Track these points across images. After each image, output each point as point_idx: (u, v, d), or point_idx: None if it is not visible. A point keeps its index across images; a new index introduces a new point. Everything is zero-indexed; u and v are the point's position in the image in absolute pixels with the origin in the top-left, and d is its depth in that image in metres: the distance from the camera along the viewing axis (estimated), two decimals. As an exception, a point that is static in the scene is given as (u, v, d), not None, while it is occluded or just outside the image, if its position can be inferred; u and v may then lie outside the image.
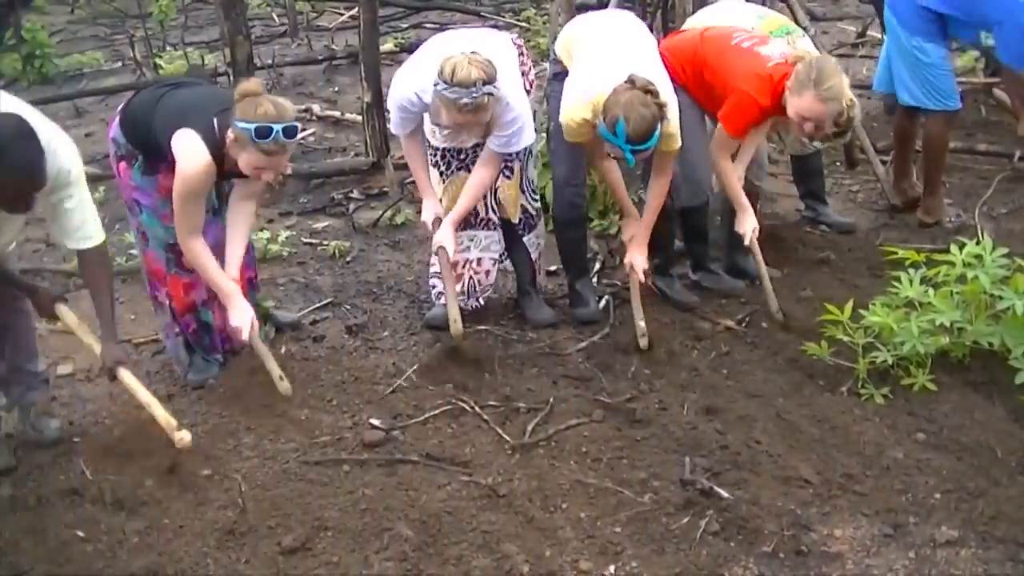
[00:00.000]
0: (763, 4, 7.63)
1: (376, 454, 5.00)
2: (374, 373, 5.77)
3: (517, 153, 5.93)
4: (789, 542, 4.27)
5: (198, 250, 5.36)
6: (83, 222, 4.85)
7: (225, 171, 5.26)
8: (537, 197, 6.33)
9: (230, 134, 5.04)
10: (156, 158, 5.37)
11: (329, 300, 6.82)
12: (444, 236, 5.84)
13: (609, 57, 5.78)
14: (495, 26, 14.25)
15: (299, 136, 5.18)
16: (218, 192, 5.64)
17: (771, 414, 5.22)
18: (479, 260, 6.20)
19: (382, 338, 6.25)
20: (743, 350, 5.90)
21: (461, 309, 6.16)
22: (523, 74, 5.91)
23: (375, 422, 5.22)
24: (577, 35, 6.13)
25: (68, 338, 5.62)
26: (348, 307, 6.71)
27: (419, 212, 7.84)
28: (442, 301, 6.25)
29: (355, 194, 8.83)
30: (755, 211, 6.32)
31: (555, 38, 6.50)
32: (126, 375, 5.00)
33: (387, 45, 13.72)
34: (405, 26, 16.12)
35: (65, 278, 7.22)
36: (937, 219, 7.46)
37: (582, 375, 5.67)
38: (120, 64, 15.30)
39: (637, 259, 6.04)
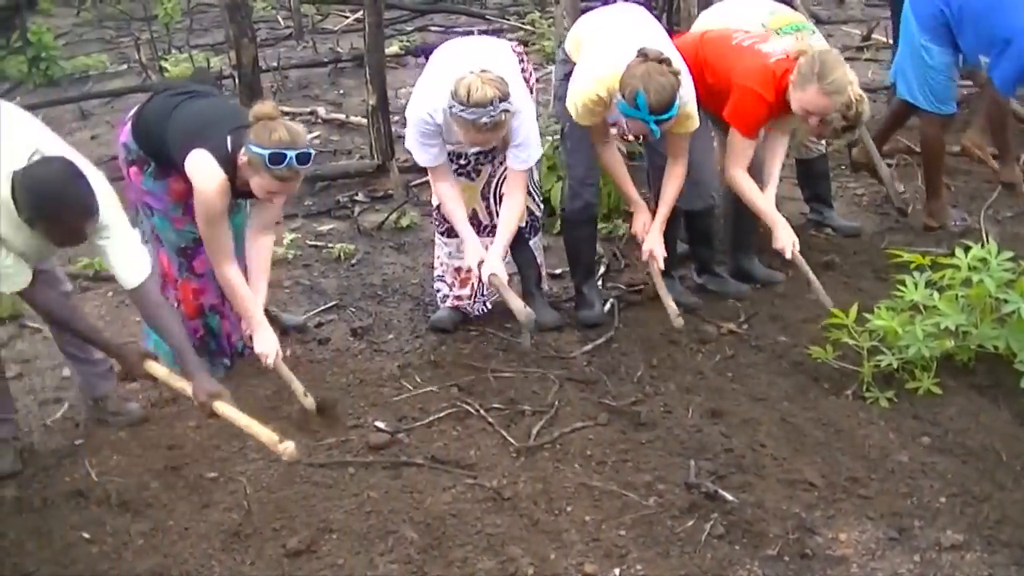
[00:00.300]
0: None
1: (381, 457, 5.01)
2: (379, 376, 5.77)
3: None
4: (794, 545, 4.28)
5: (231, 277, 5.40)
6: (120, 259, 4.91)
7: (238, 190, 5.27)
8: (540, 200, 6.33)
9: (243, 156, 5.05)
10: (168, 166, 5.39)
11: (334, 303, 6.82)
12: (494, 266, 5.74)
13: (618, 39, 5.78)
14: (500, 29, 14.31)
15: (311, 163, 5.16)
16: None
17: (776, 417, 5.22)
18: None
19: (387, 341, 6.26)
20: (748, 353, 5.90)
21: (466, 314, 6.19)
22: (524, 81, 5.90)
23: (380, 425, 5.23)
24: (586, 29, 6.14)
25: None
26: (353, 310, 6.71)
27: (424, 215, 7.96)
28: (448, 304, 6.29)
29: (360, 197, 8.82)
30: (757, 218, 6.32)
31: (560, 41, 6.51)
32: (222, 407, 4.95)
33: (392, 48, 13.71)
34: (410, 29, 16.09)
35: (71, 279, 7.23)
36: (942, 223, 7.44)
37: (587, 378, 5.67)
38: (126, 67, 15.28)
39: (656, 247, 5.99)
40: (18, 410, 5.48)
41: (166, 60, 14.41)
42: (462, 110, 5.28)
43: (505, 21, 15.68)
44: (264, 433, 4.80)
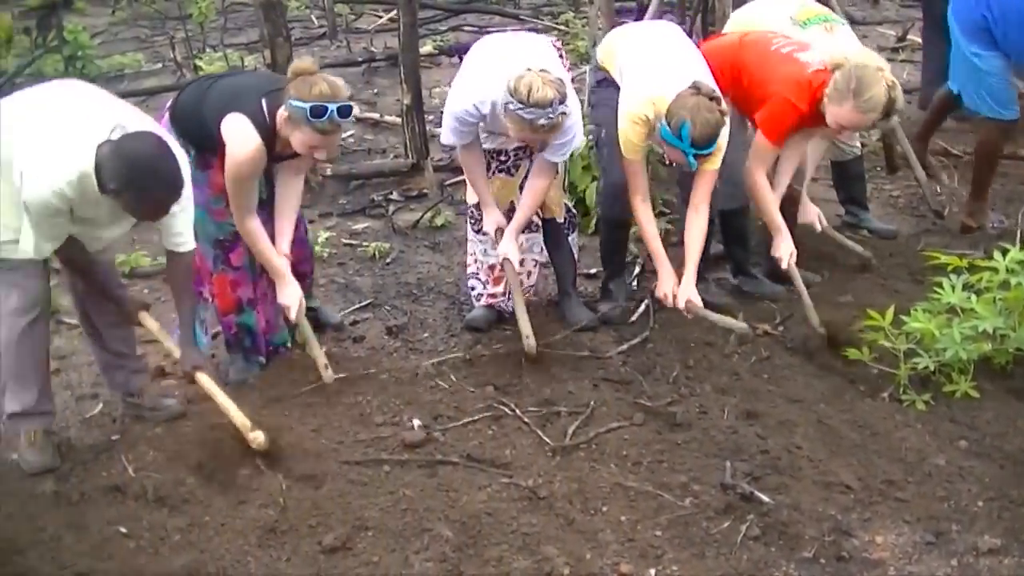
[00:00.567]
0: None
1: (416, 455, 5.01)
2: (414, 374, 5.77)
3: None
4: (830, 548, 4.26)
5: (252, 228, 5.45)
6: (184, 227, 5.03)
7: (275, 153, 5.32)
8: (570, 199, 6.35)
9: (283, 112, 5.11)
10: (208, 152, 5.42)
11: (369, 301, 6.84)
12: (508, 247, 5.85)
13: (664, 61, 5.82)
14: (534, 29, 14.27)
15: (353, 115, 5.21)
16: (267, 177, 5.64)
17: (812, 419, 5.21)
18: (521, 261, 6.15)
19: (422, 339, 6.27)
20: (783, 354, 5.89)
21: (500, 313, 6.19)
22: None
23: (416, 423, 5.23)
24: (620, 43, 6.14)
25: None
26: (388, 308, 6.72)
27: (459, 214, 7.96)
28: (482, 302, 6.31)
29: (395, 196, 8.84)
30: (795, 215, 6.30)
31: (594, 41, 6.52)
32: (204, 378, 5.12)
33: (426, 47, 13.73)
34: (444, 29, 16.10)
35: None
36: (980, 224, 7.40)
37: (622, 378, 5.67)
38: (160, 65, 15.35)
39: (693, 296, 5.88)
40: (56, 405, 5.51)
41: (200, 59, 14.46)
42: (520, 108, 5.28)
43: (539, 21, 15.67)
44: (239, 417, 4.95)
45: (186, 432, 5.34)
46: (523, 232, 6.10)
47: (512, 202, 6.08)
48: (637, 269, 6.99)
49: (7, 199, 4.75)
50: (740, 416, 5.26)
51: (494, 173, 6.09)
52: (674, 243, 6.94)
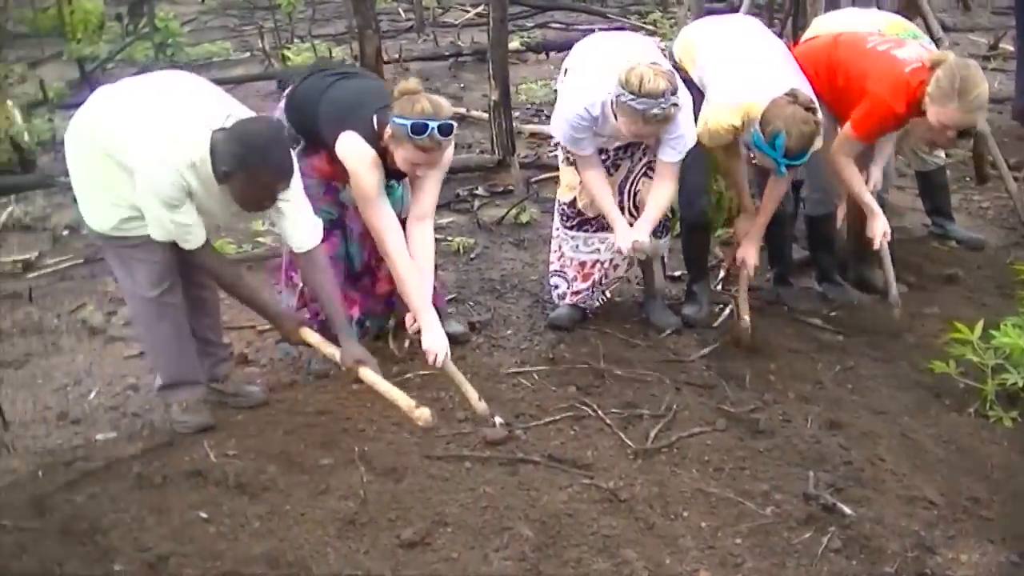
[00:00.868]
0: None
1: (498, 452, 5.01)
2: (497, 371, 5.78)
3: None
4: (912, 564, 4.21)
5: (405, 270, 5.47)
6: (303, 225, 5.13)
7: (390, 168, 5.35)
8: None
9: (388, 130, 5.14)
10: (316, 144, 5.50)
11: (452, 296, 6.84)
12: (641, 234, 5.82)
13: (755, 64, 5.76)
14: (620, 28, 14.25)
15: (453, 134, 5.24)
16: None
17: (896, 432, 5.15)
18: (610, 259, 6.18)
19: (505, 336, 6.27)
20: (868, 364, 5.84)
21: (584, 313, 6.25)
22: None
23: (498, 420, 5.22)
24: (700, 41, 6.09)
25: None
26: (471, 304, 6.74)
27: (544, 211, 7.96)
28: (566, 301, 6.30)
29: (480, 191, 8.87)
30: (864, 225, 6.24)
31: (682, 43, 6.49)
32: (367, 373, 5.12)
33: (513, 43, 13.72)
34: (531, 25, 16.15)
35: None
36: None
37: (705, 383, 5.64)
38: (248, 54, 15.50)
39: (749, 255, 6.01)
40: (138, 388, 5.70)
41: (288, 49, 14.59)
42: (632, 99, 5.25)
43: (626, 20, 15.68)
44: (402, 398, 4.95)
45: (268, 420, 5.39)
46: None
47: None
48: (721, 273, 6.94)
49: (121, 178, 4.85)
50: (823, 426, 5.21)
51: None
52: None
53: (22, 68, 15.21)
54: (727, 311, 6.43)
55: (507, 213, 8.20)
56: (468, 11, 17.31)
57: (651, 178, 5.95)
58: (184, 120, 4.79)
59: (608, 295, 6.39)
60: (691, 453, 4.98)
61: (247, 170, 4.67)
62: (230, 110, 4.90)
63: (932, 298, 6.53)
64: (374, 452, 5.02)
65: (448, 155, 5.48)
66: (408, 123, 5.02)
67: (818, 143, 5.54)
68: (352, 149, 5.27)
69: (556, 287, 6.36)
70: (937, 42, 6.95)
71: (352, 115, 5.30)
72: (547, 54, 14.11)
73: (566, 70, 5.97)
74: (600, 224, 6.09)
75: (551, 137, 9.39)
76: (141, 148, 4.72)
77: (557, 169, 6.51)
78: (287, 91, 5.79)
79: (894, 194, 7.06)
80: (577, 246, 6.21)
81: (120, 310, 6.85)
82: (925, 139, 6.21)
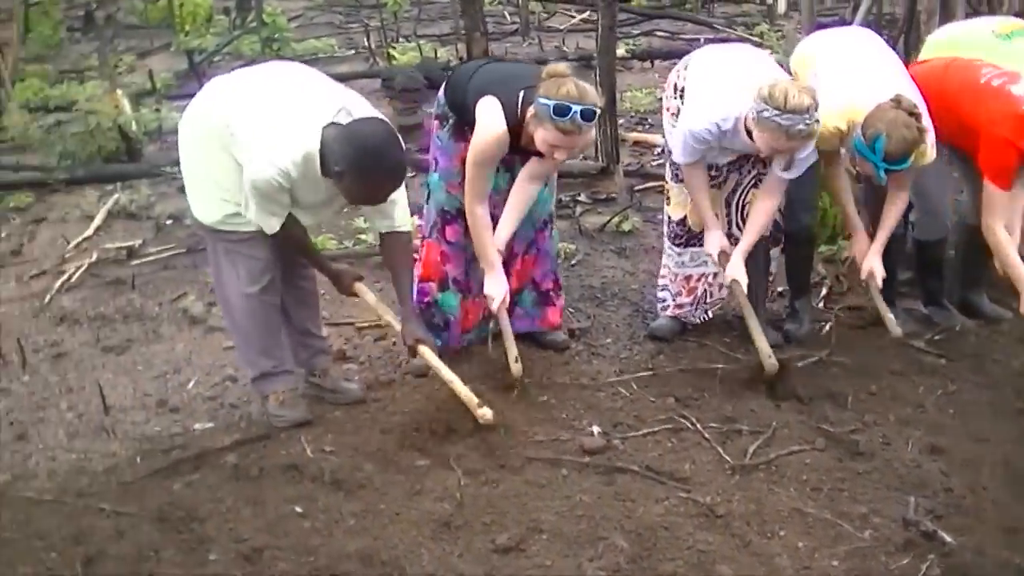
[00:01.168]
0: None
1: (595, 461, 5.00)
2: (596, 380, 5.77)
3: None
4: (1013, 596, 4.14)
5: (478, 214, 5.50)
6: (399, 212, 5.19)
7: (518, 145, 5.36)
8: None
9: (531, 110, 5.16)
10: (465, 125, 5.53)
11: (552, 301, 6.81)
12: (737, 271, 5.76)
13: (863, 70, 5.71)
14: (726, 39, 14.16)
15: (595, 120, 5.23)
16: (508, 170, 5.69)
17: (998, 459, 5.06)
18: (715, 274, 6.15)
19: (604, 344, 6.25)
20: (971, 389, 5.75)
21: (685, 324, 6.21)
22: None
23: (596, 429, 5.22)
24: (817, 51, 6.07)
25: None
26: (571, 310, 6.68)
27: (646, 221, 7.92)
28: (668, 312, 6.27)
29: (582, 197, 8.81)
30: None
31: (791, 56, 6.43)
32: (427, 352, 5.21)
33: (618, 51, 13.67)
34: (636, 33, 16.08)
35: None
36: None
37: (806, 400, 5.58)
38: (353, 52, 15.57)
39: (876, 266, 5.88)
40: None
41: (394, 48, 14.66)
42: (777, 115, 5.18)
43: (731, 31, 15.58)
44: (464, 392, 5.03)
45: (365, 418, 5.43)
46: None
47: (715, 214, 5.99)
48: (824, 290, 6.87)
49: (231, 172, 4.92)
50: (924, 450, 5.14)
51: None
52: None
53: (131, 58, 15.42)
54: (827, 327, 6.35)
55: (609, 220, 8.16)
56: (573, 16, 17.28)
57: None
58: (295, 115, 4.84)
59: (710, 315, 6.36)
60: (789, 471, 4.93)
61: (360, 173, 4.71)
62: (343, 103, 4.93)
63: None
64: (470, 455, 5.04)
65: (587, 140, 5.51)
66: (552, 104, 5.02)
67: (931, 154, 5.49)
68: (488, 115, 5.29)
69: (663, 300, 6.34)
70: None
71: (499, 87, 5.34)
72: (652, 62, 14.05)
73: (681, 88, 5.91)
74: None
75: (655, 146, 9.40)
76: (250, 143, 4.80)
77: (660, 179, 6.50)
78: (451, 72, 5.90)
79: None
80: (684, 261, 6.20)
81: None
82: None
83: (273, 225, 4.96)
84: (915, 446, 5.17)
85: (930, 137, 5.53)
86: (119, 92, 11.01)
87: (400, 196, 5.14)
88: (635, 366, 5.95)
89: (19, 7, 14.53)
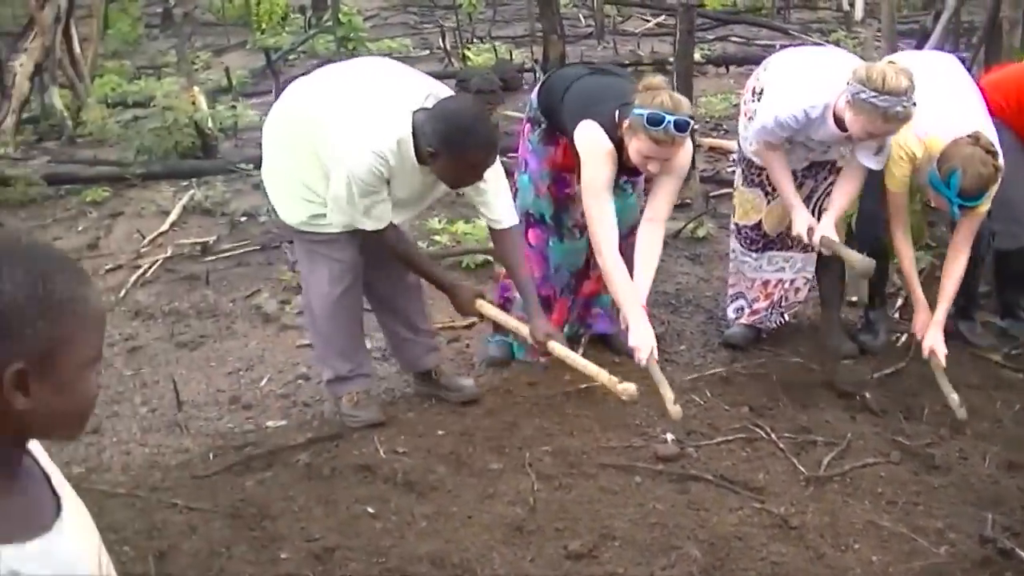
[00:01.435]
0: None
1: (669, 469, 4.98)
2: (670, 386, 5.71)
3: None
4: (1092, 618, 4.08)
5: (612, 262, 5.39)
6: (503, 204, 5.23)
7: (625, 164, 5.34)
8: None
9: (626, 122, 5.14)
10: (556, 131, 5.56)
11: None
12: (828, 230, 5.66)
13: (945, 101, 5.61)
14: (802, 46, 14.08)
15: (688, 132, 5.21)
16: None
17: (1078, 478, 4.98)
18: (792, 280, 6.15)
19: (679, 351, 6.24)
20: (1050, 405, 5.66)
21: (759, 333, 6.22)
22: None
23: (669, 436, 5.21)
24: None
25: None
26: (645, 316, 6.66)
27: (721, 227, 7.88)
28: (742, 320, 6.26)
29: (658, 203, 8.77)
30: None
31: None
32: (557, 347, 5.19)
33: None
34: (711, 38, 16.06)
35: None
36: None
37: (880, 412, 5.53)
38: (427, 52, 15.66)
39: (937, 344, 5.68)
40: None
41: (469, 49, 14.71)
42: (875, 96, 5.10)
43: (807, 37, 15.47)
44: (603, 374, 4.99)
45: (438, 420, 5.44)
46: (799, 252, 6.05)
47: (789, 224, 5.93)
48: (900, 301, 6.80)
49: (317, 173, 4.98)
50: (1001, 466, 5.07)
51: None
52: (939, 279, 6.78)
53: (208, 55, 15.59)
54: (903, 338, 6.28)
55: (684, 227, 8.12)
56: (648, 20, 17.28)
57: None
58: (385, 102, 4.88)
59: (786, 317, 6.33)
60: (864, 484, 4.88)
61: (453, 149, 4.73)
62: (429, 89, 4.98)
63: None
64: (543, 459, 5.03)
65: (684, 159, 5.44)
66: (646, 113, 5.00)
67: (993, 191, 5.41)
68: (589, 139, 5.28)
69: (738, 310, 6.32)
70: None
71: (595, 106, 5.32)
72: (727, 68, 14.02)
73: (760, 91, 5.86)
74: (784, 243, 6.06)
75: (730, 152, 9.35)
76: (343, 137, 4.82)
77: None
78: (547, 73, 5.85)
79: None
80: (760, 266, 6.17)
81: (294, 299, 6.97)
82: None
83: (383, 217, 4.97)
84: (992, 461, 5.10)
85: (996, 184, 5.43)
86: (196, 89, 11.13)
87: (502, 189, 5.18)
88: (709, 374, 5.93)
89: (100, 4, 14.70)
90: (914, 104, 5.17)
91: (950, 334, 6.07)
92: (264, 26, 17.59)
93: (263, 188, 5.49)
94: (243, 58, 15.63)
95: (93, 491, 4.89)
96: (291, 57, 15.34)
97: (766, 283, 6.18)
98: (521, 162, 5.84)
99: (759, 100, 5.84)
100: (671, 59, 9.19)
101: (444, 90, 5.06)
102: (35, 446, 1.87)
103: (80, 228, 8.77)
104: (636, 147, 5.13)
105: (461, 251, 7.66)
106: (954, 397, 5.44)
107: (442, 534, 4.51)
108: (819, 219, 5.86)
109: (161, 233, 8.38)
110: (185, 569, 4.33)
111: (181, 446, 5.34)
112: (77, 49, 12.54)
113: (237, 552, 4.41)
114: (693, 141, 8.38)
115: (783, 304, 6.26)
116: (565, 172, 5.66)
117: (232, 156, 10.32)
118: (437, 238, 7.67)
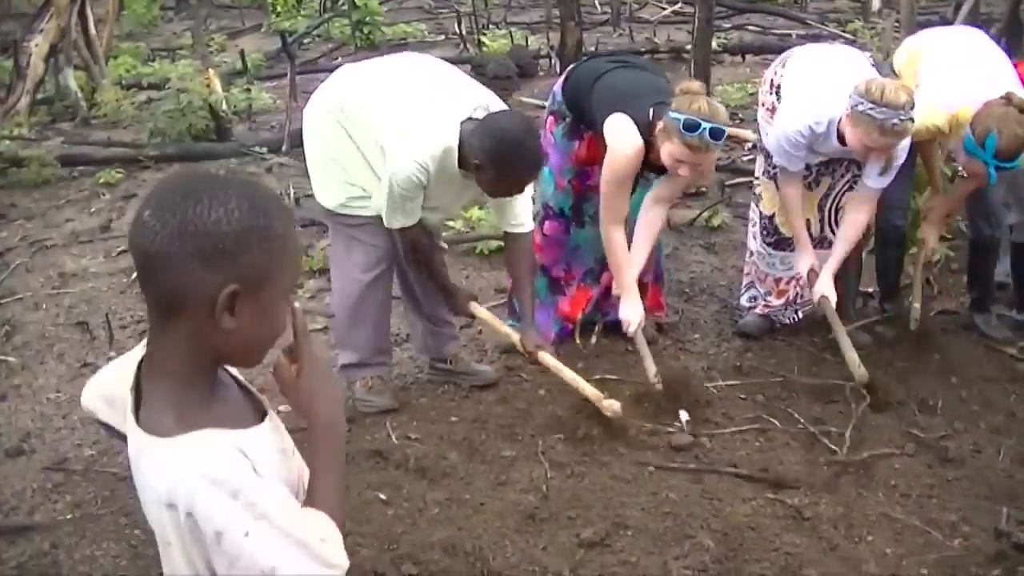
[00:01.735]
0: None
1: (682, 458, 4.97)
2: (683, 376, 5.69)
3: None
4: (1107, 614, 4.06)
5: (615, 239, 5.50)
6: (523, 209, 5.23)
7: (650, 161, 5.34)
8: None
9: (660, 124, 5.13)
10: (582, 126, 5.59)
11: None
12: (826, 288, 5.69)
13: (971, 68, 5.61)
14: (818, 36, 14.05)
15: (723, 141, 5.20)
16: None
17: (1093, 472, 4.96)
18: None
19: (692, 340, 6.22)
20: (1065, 400, 5.63)
21: (773, 323, 6.20)
22: None
23: (683, 415, 5.21)
24: (923, 49, 5.94)
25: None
26: (660, 304, 6.65)
27: (736, 216, 7.86)
28: (757, 311, 6.22)
29: (673, 192, 8.75)
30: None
31: (886, 53, 6.34)
32: (547, 357, 5.20)
33: (709, 44, 13.67)
34: (728, 26, 16.00)
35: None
36: None
37: (894, 404, 5.48)
38: (443, 37, 15.65)
39: (930, 235, 5.89)
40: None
41: (484, 35, 14.68)
42: (872, 108, 5.10)
43: (824, 28, 15.45)
44: (588, 388, 5.01)
45: (451, 406, 5.45)
46: (817, 249, 5.97)
47: (808, 220, 5.93)
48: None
49: (359, 158, 4.99)
50: (1015, 460, 5.04)
51: None
52: (955, 270, 6.78)
53: (223, 38, 15.58)
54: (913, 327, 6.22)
55: (699, 215, 8.11)
56: (664, 8, 17.23)
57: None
58: (434, 110, 4.88)
59: (800, 315, 6.30)
60: (878, 476, 4.86)
61: (500, 166, 4.75)
62: (478, 99, 4.99)
63: None
64: (556, 447, 5.02)
65: (711, 162, 5.47)
66: (682, 118, 4.98)
67: None
68: (620, 131, 5.25)
69: (752, 297, 6.30)
70: None
71: (630, 102, 5.29)
72: (743, 56, 13.98)
73: (777, 86, 5.85)
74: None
75: (746, 141, 9.32)
76: (391, 139, 4.84)
77: (750, 174, 6.43)
78: (570, 67, 5.91)
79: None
80: (774, 263, 6.14)
81: (307, 283, 6.96)
82: None
83: (401, 221, 5.00)
84: (1007, 455, 5.08)
85: None
86: (211, 71, 11.12)
87: (526, 194, 5.17)
88: (723, 363, 5.92)
89: (115, -16, 14.69)
90: (911, 120, 5.16)
91: (966, 327, 6.06)
92: (279, 9, 17.59)
93: (276, 171, 5.48)
94: (258, 41, 15.63)
95: (104, 474, 4.91)
96: (306, 40, 15.32)
97: (778, 280, 6.15)
98: (543, 155, 5.79)
99: (776, 94, 5.82)
100: (688, 47, 9.15)
101: (495, 102, 5.06)
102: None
103: (93, 209, 8.76)
104: (669, 150, 5.11)
105: (475, 237, 7.66)
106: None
107: (454, 521, 4.50)
108: (837, 217, 5.85)
109: (174, 215, 8.34)
110: (196, 552, 4.32)
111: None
112: (92, 30, 12.56)
113: (249, 536, 4.39)
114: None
115: (798, 302, 6.23)
116: (587, 166, 5.67)
117: (246, 139, 10.30)
118: (451, 223, 7.65)
